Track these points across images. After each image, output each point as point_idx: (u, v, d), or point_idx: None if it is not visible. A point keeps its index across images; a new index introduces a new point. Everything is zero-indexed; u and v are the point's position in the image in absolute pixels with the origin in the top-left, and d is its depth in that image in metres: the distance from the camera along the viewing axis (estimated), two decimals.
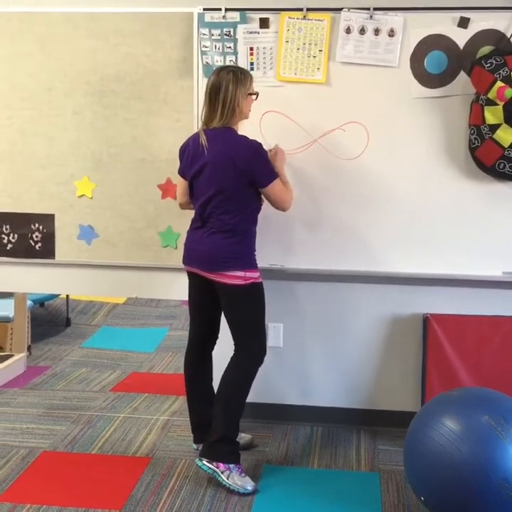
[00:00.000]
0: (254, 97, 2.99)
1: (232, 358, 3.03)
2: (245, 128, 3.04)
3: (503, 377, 3.27)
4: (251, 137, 2.94)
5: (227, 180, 2.89)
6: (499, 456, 2.38)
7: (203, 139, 2.91)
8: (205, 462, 2.95)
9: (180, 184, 3.13)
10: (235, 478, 2.90)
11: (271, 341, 3.48)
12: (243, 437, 3.27)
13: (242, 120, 2.99)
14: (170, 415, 3.73)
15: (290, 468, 3.16)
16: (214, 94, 2.89)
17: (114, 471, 3.10)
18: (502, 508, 2.39)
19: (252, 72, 3.17)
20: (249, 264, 2.98)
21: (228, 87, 2.87)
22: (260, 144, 2.93)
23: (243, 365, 3.02)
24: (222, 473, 2.91)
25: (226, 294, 2.99)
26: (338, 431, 3.52)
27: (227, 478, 2.90)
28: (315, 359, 3.55)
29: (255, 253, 3.02)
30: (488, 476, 2.36)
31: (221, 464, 2.92)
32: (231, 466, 2.93)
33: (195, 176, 2.97)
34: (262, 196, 3.00)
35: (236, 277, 2.93)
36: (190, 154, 2.98)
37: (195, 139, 2.98)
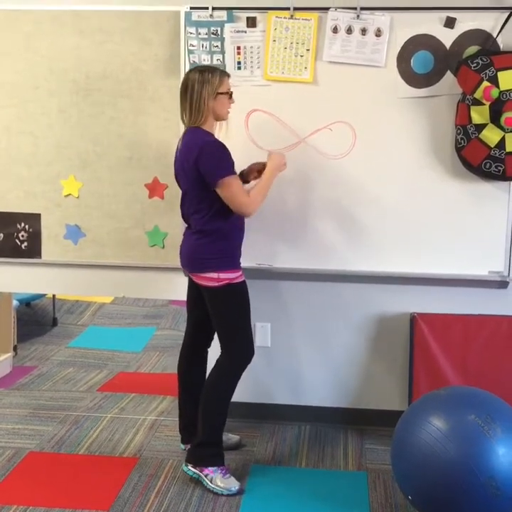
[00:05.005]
0: (227, 96, 2.88)
1: (216, 360, 2.99)
2: (231, 128, 3.04)
3: (489, 376, 3.28)
4: (237, 137, 2.92)
5: (187, 181, 2.87)
6: (486, 454, 2.40)
7: (179, 140, 2.92)
8: (190, 467, 2.96)
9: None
10: (218, 482, 2.89)
11: (258, 341, 3.48)
12: (231, 438, 3.27)
13: (218, 121, 2.92)
14: (157, 415, 3.72)
15: (278, 468, 3.16)
16: (183, 93, 2.87)
17: (102, 471, 3.09)
18: (488, 506, 2.40)
19: (239, 72, 3.20)
20: (224, 265, 2.87)
21: (194, 87, 2.82)
22: (215, 141, 2.83)
23: (223, 368, 2.95)
24: (205, 477, 2.91)
25: (206, 295, 2.95)
26: (326, 430, 3.52)
27: (210, 482, 2.90)
28: (303, 358, 3.55)
29: (236, 252, 2.95)
30: (475, 474, 2.38)
31: (204, 468, 2.92)
32: (213, 468, 2.92)
33: (175, 178, 2.99)
34: None
35: (209, 279, 2.87)
36: (175, 157, 2.98)
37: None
